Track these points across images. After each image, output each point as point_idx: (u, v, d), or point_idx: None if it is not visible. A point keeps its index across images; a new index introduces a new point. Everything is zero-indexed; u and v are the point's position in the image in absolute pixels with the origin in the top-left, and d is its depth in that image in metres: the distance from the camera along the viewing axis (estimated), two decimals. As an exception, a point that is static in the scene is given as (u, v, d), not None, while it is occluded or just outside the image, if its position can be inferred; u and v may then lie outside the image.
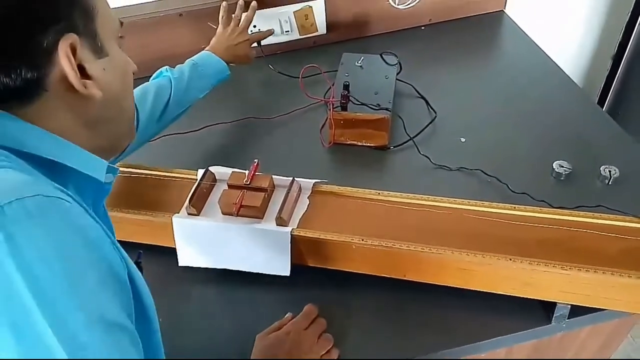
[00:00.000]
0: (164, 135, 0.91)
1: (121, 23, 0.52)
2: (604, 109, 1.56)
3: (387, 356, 0.66)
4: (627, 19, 1.40)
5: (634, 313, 0.67)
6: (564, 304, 0.65)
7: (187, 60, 0.90)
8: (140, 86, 0.83)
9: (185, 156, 0.91)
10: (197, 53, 0.94)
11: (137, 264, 0.56)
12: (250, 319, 0.70)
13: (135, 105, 0.69)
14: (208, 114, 1.00)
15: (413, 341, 0.67)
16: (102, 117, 0.49)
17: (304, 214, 0.71)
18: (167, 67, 0.88)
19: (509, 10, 1.24)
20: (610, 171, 0.83)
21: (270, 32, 1.06)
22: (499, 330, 0.68)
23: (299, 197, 0.73)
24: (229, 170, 0.76)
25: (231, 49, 0.96)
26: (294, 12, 1.11)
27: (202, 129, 0.94)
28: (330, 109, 0.90)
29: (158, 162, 0.84)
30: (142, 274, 0.53)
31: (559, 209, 0.71)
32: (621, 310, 0.65)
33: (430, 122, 0.96)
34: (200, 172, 0.77)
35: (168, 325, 0.70)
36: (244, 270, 0.72)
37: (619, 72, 1.49)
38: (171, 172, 0.80)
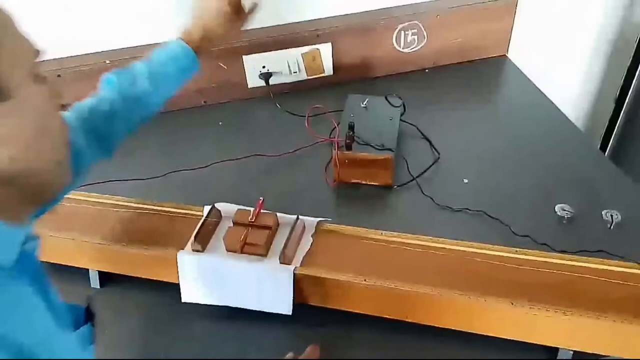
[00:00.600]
0: (171, 172, 0.93)
1: (37, 52, 0.43)
2: (606, 152, 1.57)
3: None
4: (629, 63, 1.43)
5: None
6: (566, 350, 0.65)
7: (144, 59, 0.76)
8: (76, 107, 0.71)
9: (192, 192, 0.92)
10: (205, 92, 0.96)
11: (87, 310, 0.53)
12: (252, 357, 0.70)
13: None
14: (215, 150, 1.02)
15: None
16: (13, 172, 0.41)
17: (307, 252, 0.72)
18: (115, 71, 0.74)
19: (511, 55, 1.27)
20: (612, 215, 0.84)
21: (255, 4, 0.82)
22: (501, 375, 0.67)
23: (302, 235, 0.74)
24: (235, 208, 0.77)
25: (214, 31, 0.77)
26: (302, 54, 1.15)
27: (209, 165, 0.96)
28: (335, 149, 0.92)
29: (164, 197, 0.85)
30: (94, 319, 0.51)
31: (560, 254, 0.72)
32: (624, 357, 0.64)
33: (434, 163, 0.98)
34: (207, 208, 0.78)
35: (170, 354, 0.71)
36: (246, 307, 0.72)
37: (621, 115, 1.51)
38: (177, 208, 0.82)
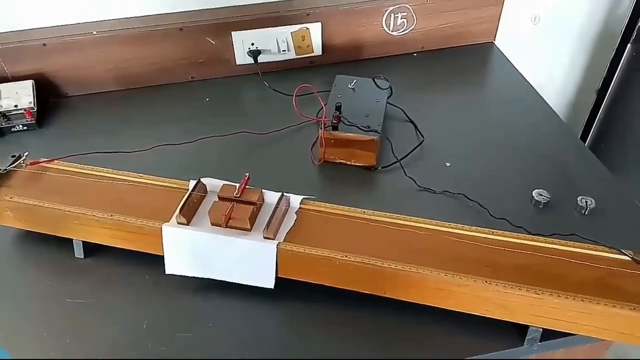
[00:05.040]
0: (158, 146, 0.93)
1: None
2: (587, 141, 1.61)
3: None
4: (612, 55, 1.46)
5: (603, 339, 0.70)
6: (535, 327, 0.68)
7: None
8: None
9: (178, 166, 0.93)
10: (193, 67, 0.96)
11: None
12: (233, 328, 0.72)
13: None
14: (202, 126, 1.03)
15: (392, 357, 0.69)
16: None
17: (290, 228, 0.73)
18: None
19: (498, 42, 1.29)
20: (587, 202, 0.87)
21: None
22: (474, 350, 0.70)
23: (287, 212, 0.76)
24: (220, 183, 0.78)
25: None
26: (291, 33, 1.15)
27: (195, 141, 0.97)
28: (321, 128, 0.93)
29: (150, 170, 0.86)
30: None
31: (535, 236, 0.74)
32: (590, 335, 0.67)
33: (418, 146, 1.00)
34: (192, 182, 0.79)
35: (153, 332, 0.72)
36: (229, 280, 0.74)
37: (602, 105, 1.55)
38: (163, 182, 0.82)
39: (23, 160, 0.85)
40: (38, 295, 0.78)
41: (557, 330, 0.68)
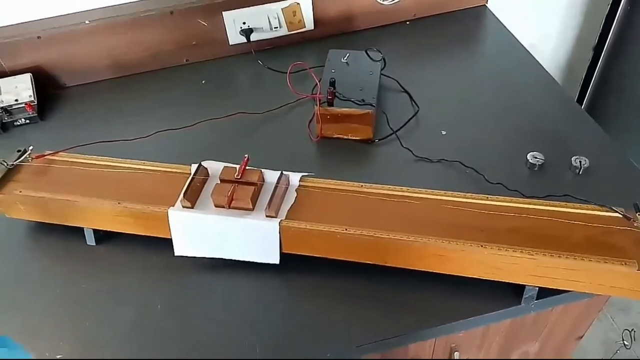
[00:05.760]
0: (158, 132, 0.95)
1: None
2: (584, 101, 1.61)
3: (372, 336, 0.71)
4: (607, 10, 1.45)
5: (597, 294, 0.73)
6: (531, 286, 0.71)
7: None
8: None
9: (179, 151, 0.95)
10: (187, 50, 0.95)
11: None
12: (243, 304, 0.76)
13: None
14: (199, 109, 1.04)
15: (395, 321, 0.72)
16: None
17: (291, 206, 0.76)
18: None
19: (491, 5, 1.28)
20: (580, 161, 0.89)
21: None
22: (473, 311, 0.74)
23: (287, 190, 0.78)
24: (221, 165, 0.80)
25: None
26: (282, 9, 1.15)
27: (194, 124, 0.98)
28: (317, 105, 0.94)
29: (152, 156, 0.88)
30: None
31: (528, 199, 0.76)
32: (584, 291, 0.70)
33: (413, 116, 1.01)
34: (194, 167, 0.81)
35: (164, 311, 0.76)
36: (236, 259, 0.77)
37: (599, 62, 1.54)
38: (165, 167, 0.85)
39: (28, 154, 0.87)
40: (54, 282, 0.81)
41: (553, 288, 0.71)
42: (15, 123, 1.07)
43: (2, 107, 1.04)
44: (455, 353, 0.87)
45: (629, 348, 1.43)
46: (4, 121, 1.06)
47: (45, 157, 0.87)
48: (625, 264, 0.65)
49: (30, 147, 0.88)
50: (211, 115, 1.01)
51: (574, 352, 1.06)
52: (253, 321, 0.74)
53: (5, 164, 0.85)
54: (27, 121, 1.08)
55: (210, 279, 0.79)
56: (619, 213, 0.72)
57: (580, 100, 1.61)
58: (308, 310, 0.75)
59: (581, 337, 1.00)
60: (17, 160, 0.86)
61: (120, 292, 0.79)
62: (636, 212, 0.70)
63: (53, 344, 0.73)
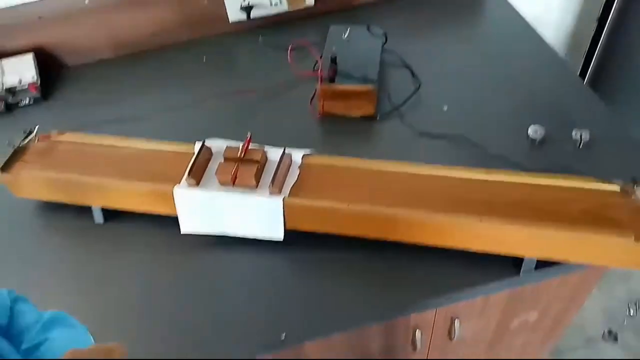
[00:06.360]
0: (160, 110, 0.96)
1: None
2: (587, 74, 1.60)
3: (376, 308, 0.73)
4: (612, -20, 1.43)
5: (594, 265, 0.75)
6: (530, 258, 0.73)
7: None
8: None
9: (181, 129, 0.96)
10: (187, 28, 0.95)
11: None
12: (248, 279, 0.78)
13: None
14: (200, 86, 1.05)
15: (399, 293, 0.75)
16: None
17: (294, 183, 0.77)
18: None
19: (493, -23, 1.26)
20: (581, 134, 0.89)
21: None
22: (473, 282, 0.75)
23: (289, 167, 0.79)
24: (224, 143, 0.82)
25: None
26: (282, -15, 1.14)
27: (196, 102, 0.99)
28: (318, 82, 0.95)
29: (155, 134, 0.89)
30: None
31: (528, 173, 0.77)
32: (582, 262, 0.72)
33: (415, 92, 1.01)
34: (197, 145, 0.82)
35: (172, 286, 0.78)
36: (241, 235, 0.79)
37: (603, 34, 1.53)
38: (169, 146, 0.86)
39: (34, 135, 0.88)
40: (63, 260, 0.84)
41: (551, 260, 0.73)
42: (20, 104, 1.08)
43: (6, 89, 1.05)
44: (456, 320, 0.89)
45: (634, 317, 1.46)
46: (8, 102, 1.07)
47: (51, 137, 0.89)
48: (622, 235, 0.67)
49: (37, 127, 0.89)
50: (213, 93, 1.01)
51: (574, 321, 1.09)
52: (258, 295, 0.76)
53: (12, 145, 0.86)
54: (31, 102, 1.09)
55: (216, 255, 0.81)
56: (618, 186, 0.73)
57: (583, 73, 1.60)
58: (312, 284, 0.77)
59: (580, 306, 1.02)
60: (24, 141, 0.87)
61: (128, 268, 0.81)
62: (634, 186, 0.71)
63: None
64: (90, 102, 1.09)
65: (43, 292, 0.80)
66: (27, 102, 1.08)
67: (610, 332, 1.45)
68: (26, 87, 1.06)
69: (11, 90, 1.06)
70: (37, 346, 0.52)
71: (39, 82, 1.07)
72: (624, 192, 0.72)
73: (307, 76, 1.05)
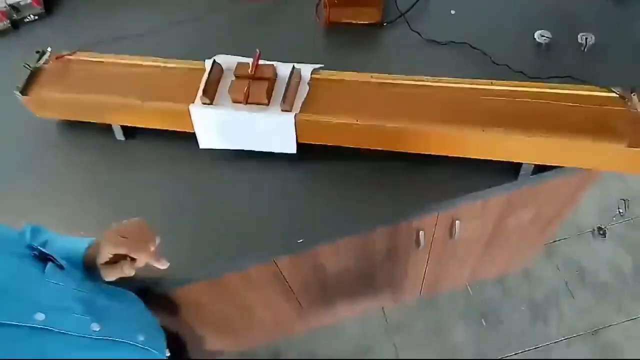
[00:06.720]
0: (166, 25, 0.96)
1: None
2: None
3: (384, 213, 0.80)
4: None
5: (587, 169, 0.80)
6: (528, 163, 0.77)
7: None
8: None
9: (189, 44, 0.97)
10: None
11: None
12: (264, 188, 0.84)
13: None
14: (206, 1, 1.03)
15: (406, 198, 0.81)
16: None
17: (304, 99, 0.80)
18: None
19: None
20: (586, 38, 0.89)
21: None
22: (474, 187, 0.81)
23: (299, 84, 0.82)
24: (234, 60, 0.83)
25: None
26: None
27: (201, 16, 0.98)
28: (324, -11, 0.93)
29: (164, 51, 0.90)
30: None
31: (531, 81, 0.79)
32: (577, 166, 0.77)
33: (422, -4, 0.99)
34: (208, 63, 0.84)
35: (194, 198, 0.85)
36: (256, 150, 0.84)
37: None
38: (180, 63, 0.87)
39: (48, 56, 0.90)
40: (88, 175, 0.90)
41: (547, 165, 0.78)
42: (25, 20, 1.08)
43: (10, 4, 1.04)
44: (457, 222, 0.97)
45: (623, 215, 1.54)
46: (13, 19, 1.07)
47: (64, 57, 0.90)
48: (617, 142, 0.71)
49: (49, 49, 0.90)
50: (216, 5, 1.00)
51: (569, 216, 1.17)
52: (274, 203, 0.83)
53: (28, 66, 0.88)
54: (36, 17, 1.08)
55: (234, 168, 0.87)
56: (616, 93, 0.75)
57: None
58: (324, 194, 0.83)
59: (575, 204, 1.09)
60: (39, 62, 0.89)
61: (151, 181, 0.87)
62: (631, 93, 0.74)
63: (97, 231, 0.84)
64: (95, 15, 1.08)
65: (65, 205, 0.87)
66: (31, 17, 1.08)
67: (600, 228, 1.55)
68: (29, 1, 1.05)
69: (15, 7, 1.05)
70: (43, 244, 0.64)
71: (41, -4, 1.06)
72: (622, 99, 0.75)
73: (312, -18, 1.03)
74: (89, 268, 0.65)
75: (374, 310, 1.53)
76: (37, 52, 0.90)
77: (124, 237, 0.63)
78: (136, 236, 0.63)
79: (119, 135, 0.91)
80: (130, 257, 0.63)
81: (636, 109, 0.73)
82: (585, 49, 0.89)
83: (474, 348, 1.45)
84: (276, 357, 1.49)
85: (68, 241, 0.67)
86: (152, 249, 0.64)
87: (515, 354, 1.43)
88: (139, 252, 0.62)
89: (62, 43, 0.92)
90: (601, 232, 1.54)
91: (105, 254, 0.62)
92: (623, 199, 1.56)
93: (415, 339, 1.48)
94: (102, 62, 0.90)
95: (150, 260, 0.63)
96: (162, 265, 0.64)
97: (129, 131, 0.91)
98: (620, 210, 1.54)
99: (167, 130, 0.87)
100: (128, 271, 0.63)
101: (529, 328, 1.45)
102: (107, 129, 0.91)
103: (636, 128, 0.72)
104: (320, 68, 0.84)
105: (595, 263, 1.52)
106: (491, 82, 0.79)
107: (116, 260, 0.63)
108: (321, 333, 1.50)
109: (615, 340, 1.41)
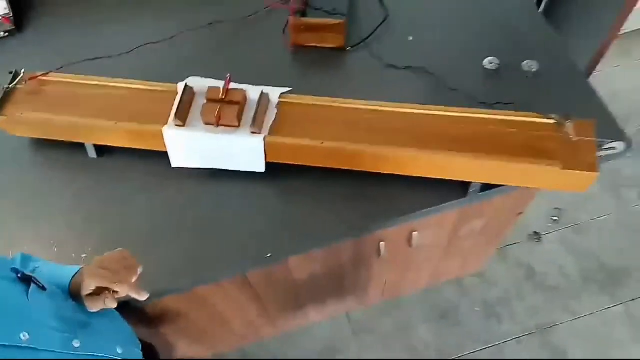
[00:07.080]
0: (138, 47, 1.00)
1: None
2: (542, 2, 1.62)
3: (349, 227, 0.87)
4: None
5: (528, 187, 0.89)
6: (475, 182, 0.85)
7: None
8: None
9: (161, 65, 1.01)
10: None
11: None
12: (235, 203, 0.89)
13: None
14: (176, 21, 1.07)
15: (368, 213, 0.87)
16: None
17: (273, 122, 0.86)
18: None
19: None
20: (530, 66, 0.98)
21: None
22: (430, 202, 0.89)
23: (267, 107, 0.87)
24: (205, 83, 0.88)
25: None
26: None
27: (172, 37, 1.02)
28: (290, 15, 0.99)
29: (136, 73, 0.94)
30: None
31: (477, 109, 0.87)
32: (517, 185, 0.85)
33: (382, 22, 1.06)
34: (180, 85, 0.88)
35: (167, 213, 0.89)
36: (227, 168, 0.89)
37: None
38: (153, 86, 0.92)
39: (21, 77, 0.92)
40: (63, 192, 0.93)
41: (493, 183, 0.86)
42: (-6, 37, 1.09)
43: (-21, 22, 1.06)
44: (414, 233, 1.04)
45: (558, 222, 1.72)
46: (-18, 35, 1.08)
47: (38, 78, 0.93)
48: (552, 165, 0.79)
49: (23, 70, 0.93)
50: (187, 26, 1.05)
51: (515, 224, 1.26)
52: (244, 217, 0.88)
53: (2, 87, 0.91)
54: (6, 34, 1.10)
55: (206, 184, 0.91)
56: (553, 119, 0.84)
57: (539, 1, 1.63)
58: (293, 209, 0.88)
59: (521, 213, 1.18)
60: (13, 83, 0.91)
61: (125, 198, 0.91)
62: (566, 120, 0.82)
63: (75, 246, 0.87)
64: (65, 34, 1.11)
65: (42, 223, 0.90)
66: (1, 34, 1.09)
67: (536, 232, 1.69)
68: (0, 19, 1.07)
69: (-16, 24, 1.07)
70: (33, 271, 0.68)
71: (11, 13, 1.08)
72: (558, 125, 0.83)
73: (278, 7, 1.08)
74: (74, 297, 0.69)
75: (341, 313, 1.60)
76: (11, 72, 0.93)
77: (105, 269, 0.67)
78: (117, 268, 0.68)
79: (92, 153, 0.95)
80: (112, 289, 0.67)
81: (570, 135, 0.82)
82: (529, 76, 0.98)
83: (434, 346, 1.54)
84: (245, 357, 1.55)
85: (56, 269, 0.71)
86: (134, 279, 0.68)
87: (471, 352, 1.53)
88: (120, 285, 0.66)
89: (33, 62, 0.95)
90: (537, 237, 1.69)
91: (87, 287, 0.66)
92: (558, 208, 1.71)
93: (380, 338, 1.56)
94: (75, 82, 0.93)
95: (130, 292, 0.67)
96: (142, 297, 0.69)
97: (101, 149, 0.94)
98: (555, 218, 1.70)
99: (140, 149, 0.91)
100: (110, 304, 0.66)
101: (485, 326, 1.56)
102: (81, 145, 0.94)
103: (570, 152, 0.80)
104: (288, 92, 0.89)
105: (543, 265, 1.64)
106: (444, 108, 0.87)
107: (99, 292, 0.67)
108: (290, 335, 1.56)
109: (561, 338, 1.53)
